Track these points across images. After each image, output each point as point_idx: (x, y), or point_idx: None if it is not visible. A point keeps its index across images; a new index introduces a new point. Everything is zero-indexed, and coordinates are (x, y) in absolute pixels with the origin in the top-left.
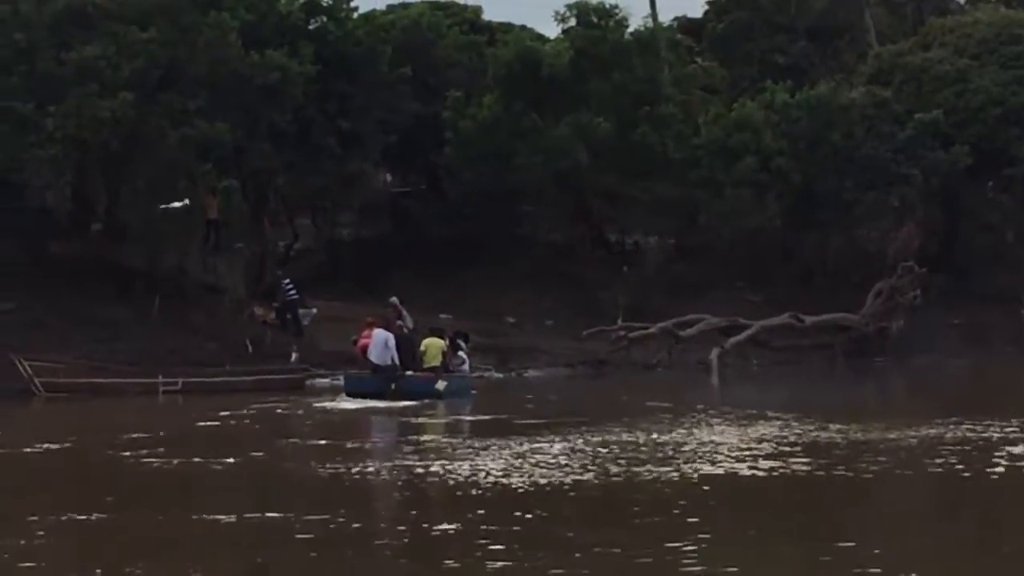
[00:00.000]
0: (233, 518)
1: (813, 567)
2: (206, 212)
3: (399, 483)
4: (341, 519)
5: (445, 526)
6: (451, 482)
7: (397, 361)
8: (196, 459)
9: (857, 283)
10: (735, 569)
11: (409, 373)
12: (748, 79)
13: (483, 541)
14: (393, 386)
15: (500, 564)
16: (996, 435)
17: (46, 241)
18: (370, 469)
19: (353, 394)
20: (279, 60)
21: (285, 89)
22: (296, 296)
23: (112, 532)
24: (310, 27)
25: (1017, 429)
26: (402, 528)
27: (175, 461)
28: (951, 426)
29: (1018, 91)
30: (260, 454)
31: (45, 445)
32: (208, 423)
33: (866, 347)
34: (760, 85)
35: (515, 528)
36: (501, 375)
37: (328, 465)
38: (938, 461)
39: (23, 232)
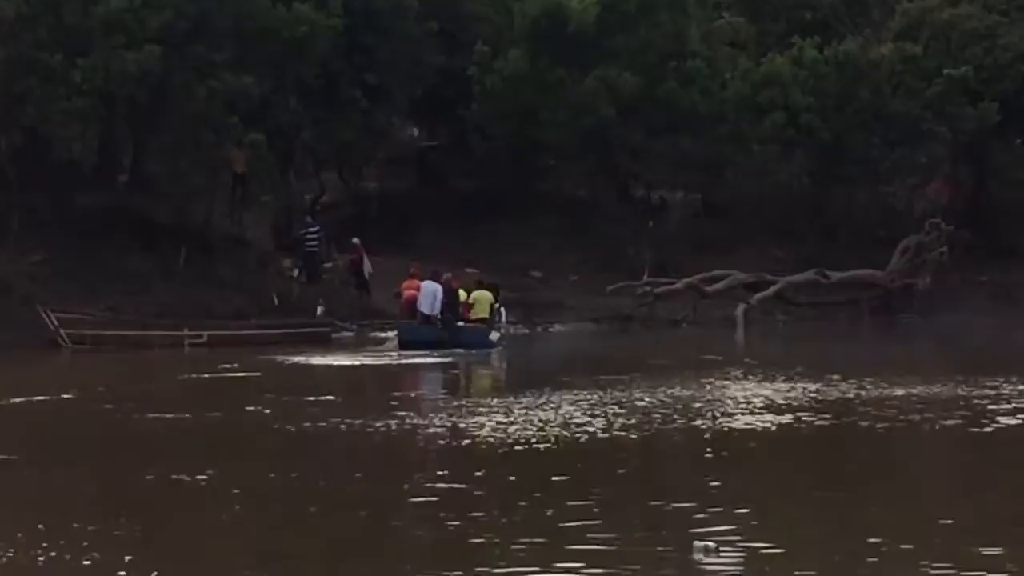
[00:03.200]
0: (204, 476)
1: (831, 512)
2: (232, 165)
3: (426, 440)
4: (360, 477)
5: (472, 482)
6: (478, 438)
7: (447, 312)
8: (186, 415)
9: (884, 240)
10: (755, 521)
11: (461, 324)
12: (775, 35)
13: (507, 496)
14: (448, 336)
15: (520, 518)
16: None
17: (73, 194)
18: (399, 425)
19: (408, 345)
20: (306, 13)
21: (312, 42)
22: (315, 247)
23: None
24: None
25: None
26: (428, 485)
27: (169, 415)
28: (972, 384)
29: None
30: (255, 409)
31: (41, 397)
32: (217, 376)
33: (892, 304)
34: (788, 41)
35: (544, 483)
36: (527, 330)
37: (334, 421)
38: (955, 417)
39: (50, 185)
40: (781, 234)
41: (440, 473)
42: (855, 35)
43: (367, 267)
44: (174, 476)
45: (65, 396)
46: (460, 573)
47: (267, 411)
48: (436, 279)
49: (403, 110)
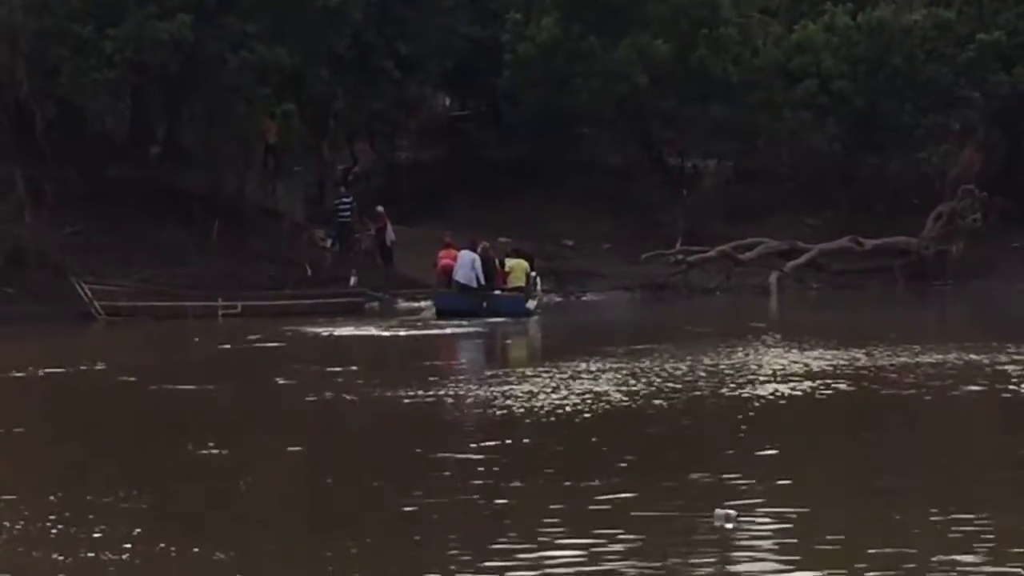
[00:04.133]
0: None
1: (859, 478)
2: (265, 136)
3: (457, 409)
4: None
5: (498, 451)
6: (509, 407)
7: (483, 281)
8: (210, 386)
9: (917, 206)
10: (783, 486)
11: (498, 292)
12: (808, 2)
13: (536, 463)
14: (485, 304)
15: (555, 484)
16: None
17: (106, 165)
18: (438, 394)
19: (444, 313)
20: None
21: (344, 13)
22: (347, 217)
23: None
24: None
25: None
26: (450, 454)
27: (193, 387)
28: (1005, 350)
29: None
30: (284, 380)
31: (68, 368)
32: (247, 347)
33: (926, 271)
34: (820, 8)
35: (573, 450)
36: (560, 298)
37: (362, 392)
38: (985, 383)
39: (83, 157)
40: (814, 201)
41: (468, 443)
42: (887, 1)
43: (390, 235)
44: (191, 448)
45: (92, 367)
46: (474, 547)
47: (294, 382)
48: (472, 248)
49: (435, 80)
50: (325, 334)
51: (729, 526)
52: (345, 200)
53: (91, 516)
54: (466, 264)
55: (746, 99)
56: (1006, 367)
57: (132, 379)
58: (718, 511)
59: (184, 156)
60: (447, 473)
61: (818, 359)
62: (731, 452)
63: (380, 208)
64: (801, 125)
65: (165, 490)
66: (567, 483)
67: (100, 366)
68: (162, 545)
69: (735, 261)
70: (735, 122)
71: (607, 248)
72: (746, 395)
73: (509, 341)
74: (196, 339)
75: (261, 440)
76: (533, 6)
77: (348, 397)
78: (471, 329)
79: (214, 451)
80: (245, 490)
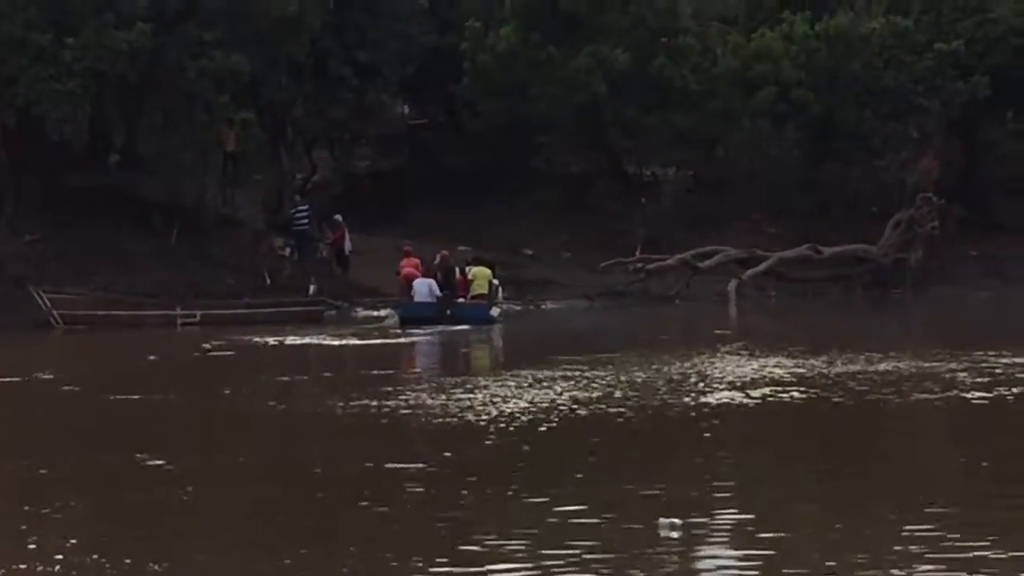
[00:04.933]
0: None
1: (811, 484)
2: (224, 144)
3: (411, 418)
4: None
5: (444, 461)
6: (461, 416)
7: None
8: (157, 395)
9: (876, 214)
10: (734, 494)
11: (461, 300)
12: (766, 10)
13: (491, 471)
14: (448, 313)
15: (490, 495)
16: (1009, 366)
17: (65, 174)
18: (407, 404)
19: (408, 321)
20: None
21: (303, 20)
22: (305, 225)
23: None
24: None
25: None
26: (397, 465)
27: (138, 396)
28: (962, 357)
29: None
30: (234, 389)
31: (16, 378)
32: (201, 356)
33: (884, 279)
34: (778, 16)
35: (526, 461)
36: (519, 307)
37: (315, 401)
38: (942, 389)
39: (42, 165)
40: (773, 209)
41: (418, 452)
42: (846, 10)
43: (347, 245)
44: (135, 458)
45: (44, 376)
46: (421, 557)
47: (245, 392)
48: (427, 274)
49: (394, 88)
50: (281, 343)
51: (675, 535)
52: (302, 208)
53: (24, 527)
54: (423, 292)
55: (705, 107)
56: (960, 374)
57: (81, 389)
58: (662, 520)
59: (143, 164)
60: (395, 484)
61: (775, 367)
62: (684, 461)
63: (338, 217)
64: (760, 133)
65: (104, 501)
66: (510, 492)
67: (50, 375)
68: (95, 556)
69: (694, 269)
70: (694, 130)
71: (566, 256)
72: (702, 403)
73: (467, 350)
74: (151, 348)
75: (206, 450)
76: (492, 15)
77: (298, 407)
78: (430, 337)
79: (157, 461)
80: (187, 501)
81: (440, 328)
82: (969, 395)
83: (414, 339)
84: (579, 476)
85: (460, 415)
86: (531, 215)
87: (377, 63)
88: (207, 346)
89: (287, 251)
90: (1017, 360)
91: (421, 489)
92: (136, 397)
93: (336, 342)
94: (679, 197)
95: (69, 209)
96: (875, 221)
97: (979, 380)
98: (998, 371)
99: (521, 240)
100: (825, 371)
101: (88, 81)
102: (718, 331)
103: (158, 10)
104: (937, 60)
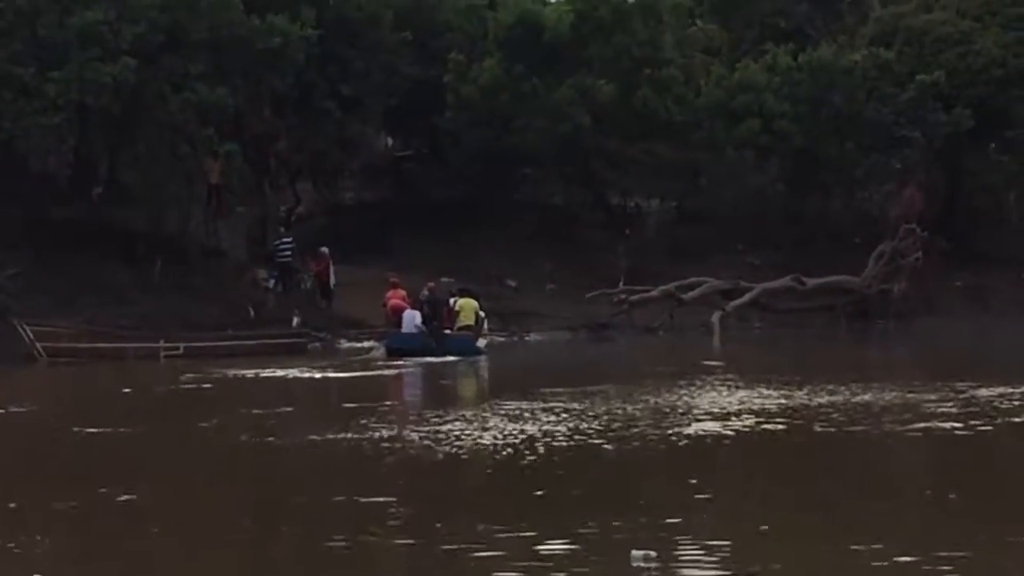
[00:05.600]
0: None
1: (795, 515)
2: (208, 176)
3: (387, 451)
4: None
5: (415, 495)
6: (440, 449)
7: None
8: (128, 429)
9: (859, 246)
10: (711, 526)
11: (448, 332)
12: (749, 42)
13: (473, 503)
14: (435, 344)
15: (460, 529)
16: (992, 397)
17: (48, 206)
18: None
19: (397, 352)
20: (280, 24)
21: (286, 53)
22: (289, 257)
23: None
24: None
25: (1012, 393)
26: (368, 499)
27: (110, 430)
28: (946, 389)
29: (1020, 52)
30: (209, 422)
31: None
32: (182, 389)
33: (868, 310)
34: (762, 48)
35: (502, 494)
36: (503, 338)
37: (293, 434)
38: (926, 421)
39: (25, 197)
40: (757, 241)
41: (396, 485)
42: (829, 42)
43: (332, 277)
44: (98, 492)
45: (21, 409)
46: None
47: (219, 424)
48: (414, 306)
49: (377, 120)
50: (261, 375)
51: (648, 566)
52: (286, 240)
53: None
54: (409, 324)
55: (689, 139)
56: (938, 406)
57: (54, 422)
58: (635, 552)
59: (126, 196)
60: (366, 518)
61: (758, 398)
62: (662, 492)
63: (324, 249)
64: (743, 164)
65: (67, 536)
66: (483, 526)
67: (23, 408)
68: None
69: (678, 301)
70: (678, 162)
71: (550, 288)
72: (681, 434)
73: (452, 381)
74: (131, 381)
75: (175, 484)
76: (475, 47)
77: (273, 440)
78: (416, 369)
79: (125, 496)
80: (152, 535)
81: (427, 360)
82: (946, 427)
83: (399, 371)
84: (556, 508)
85: (440, 448)
86: (515, 246)
87: (361, 95)
88: (189, 378)
89: (271, 283)
90: (995, 391)
91: (393, 523)
92: (108, 430)
93: (319, 374)
94: (663, 228)
95: (52, 241)
96: (859, 252)
97: (956, 411)
98: (976, 403)
99: (505, 271)
100: (807, 402)
101: (72, 114)
102: (704, 362)
103: (142, 43)
104: (919, 92)
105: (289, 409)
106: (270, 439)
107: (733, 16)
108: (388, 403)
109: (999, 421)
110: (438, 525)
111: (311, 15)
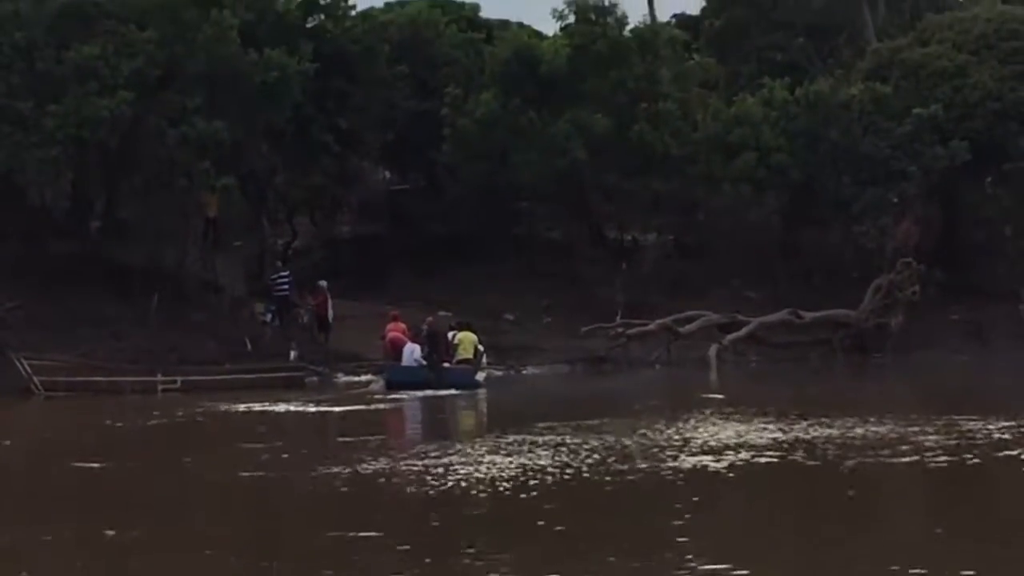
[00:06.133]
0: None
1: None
2: (205, 210)
3: (375, 487)
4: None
5: (400, 530)
6: (447, 480)
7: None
8: (111, 464)
9: (856, 279)
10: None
11: (447, 365)
12: (746, 76)
13: (473, 534)
14: (435, 377)
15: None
16: (987, 431)
17: (45, 239)
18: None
19: (397, 385)
20: (277, 58)
21: (283, 87)
22: (286, 291)
23: None
24: (308, 25)
25: (1009, 426)
26: (354, 534)
27: (95, 465)
28: (941, 423)
29: (1016, 86)
30: (193, 458)
31: None
32: (172, 423)
33: (865, 343)
34: (758, 82)
35: (496, 530)
36: (500, 372)
37: (278, 469)
38: (922, 455)
39: (22, 231)
40: (754, 274)
41: (383, 519)
42: (825, 76)
43: (330, 311)
44: (84, 527)
45: (14, 443)
46: None
47: (208, 458)
48: (413, 339)
49: (375, 154)
50: (260, 409)
51: None
52: (283, 275)
53: None
54: (408, 358)
55: (686, 172)
56: (932, 439)
57: (50, 456)
58: None
59: (123, 230)
60: (358, 554)
61: (753, 432)
62: (655, 528)
63: (323, 283)
64: (740, 198)
65: (47, 571)
66: (480, 563)
67: (13, 442)
68: None
69: (675, 334)
70: (675, 195)
71: (547, 322)
72: (675, 468)
73: (450, 415)
74: (126, 415)
75: (161, 519)
76: (472, 81)
77: (266, 474)
78: (414, 402)
79: (108, 531)
80: (135, 571)
81: (426, 393)
82: (937, 461)
83: (397, 404)
84: (549, 545)
85: (435, 483)
86: (512, 280)
87: (358, 129)
88: (183, 413)
89: (268, 317)
90: (990, 426)
91: (385, 559)
92: (101, 465)
93: (316, 408)
94: (660, 262)
95: (49, 275)
96: (855, 286)
97: (949, 445)
98: (970, 437)
99: (502, 305)
100: (802, 436)
101: (69, 148)
102: (703, 395)
103: (139, 78)
104: (916, 125)
105: (284, 444)
106: (263, 474)
107: (730, 50)
108: (386, 437)
109: (993, 454)
110: (427, 561)
111: (308, 49)
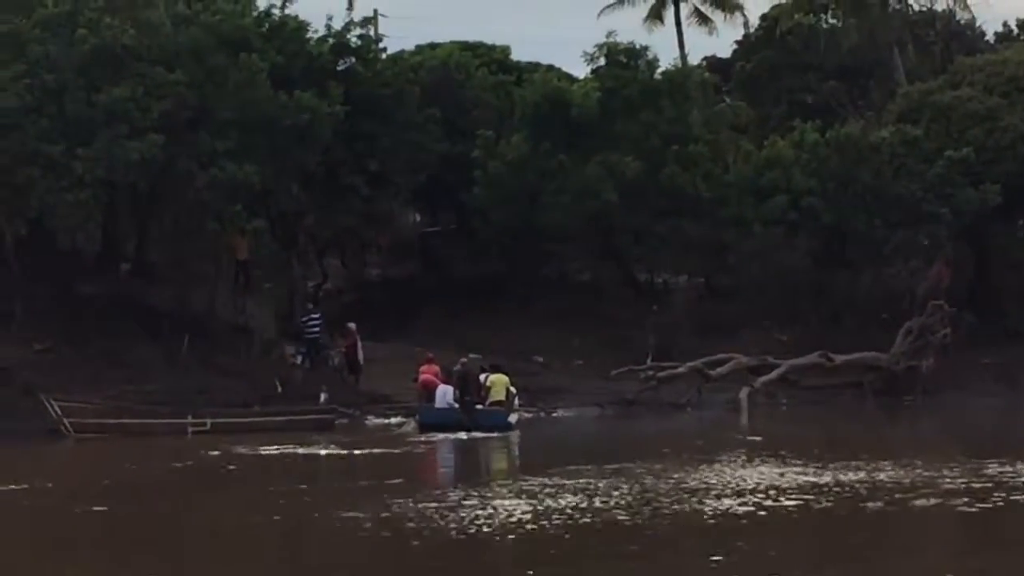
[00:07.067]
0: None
1: None
2: (235, 252)
3: (402, 530)
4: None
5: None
6: (471, 527)
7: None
8: (129, 507)
9: (887, 322)
10: None
11: (479, 407)
12: (777, 118)
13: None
14: (467, 419)
15: None
16: (1015, 474)
17: (76, 282)
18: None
19: (427, 427)
20: (308, 101)
21: (314, 130)
22: (317, 334)
23: None
24: (339, 68)
25: None
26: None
27: (105, 508)
28: (974, 467)
29: None
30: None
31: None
32: (199, 466)
33: (896, 386)
34: (789, 124)
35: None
36: (530, 414)
37: (300, 513)
38: (955, 499)
39: (53, 273)
40: (784, 317)
41: (406, 564)
42: (856, 118)
43: (360, 353)
44: (102, 569)
45: (27, 487)
46: None
47: (238, 502)
48: (446, 381)
49: (405, 196)
50: (290, 452)
51: None
52: (314, 317)
53: None
54: (441, 399)
55: (716, 215)
56: (958, 483)
57: (67, 499)
58: None
59: (153, 272)
60: None
61: (786, 476)
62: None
63: (352, 325)
64: (771, 240)
65: None
66: None
67: (24, 486)
68: None
69: (705, 377)
70: (706, 238)
71: (578, 364)
72: (699, 512)
73: (481, 458)
74: (154, 457)
75: (180, 564)
76: (503, 123)
77: (291, 518)
78: (446, 444)
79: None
80: None
81: (458, 435)
82: (962, 506)
83: (428, 446)
84: None
85: (461, 526)
86: (542, 322)
87: (388, 171)
88: (212, 455)
89: (298, 359)
90: (1020, 469)
91: None
92: (127, 508)
93: (345, 451)
94: (690, 304)
95: (80, 317)
96: (886, 328)
97: (978, 488)
98: (998, 481)
99: (532, 347)
100: (829, 480)
101: (99, 191)
102: (727, 439)
103: (170, 120)
104: (947, 168)
105: (314, 486)
106: (289, 517)
107: (760, 93)
108: (416, 479)
109: (1015, 498)
110: None
111: (339, 91)
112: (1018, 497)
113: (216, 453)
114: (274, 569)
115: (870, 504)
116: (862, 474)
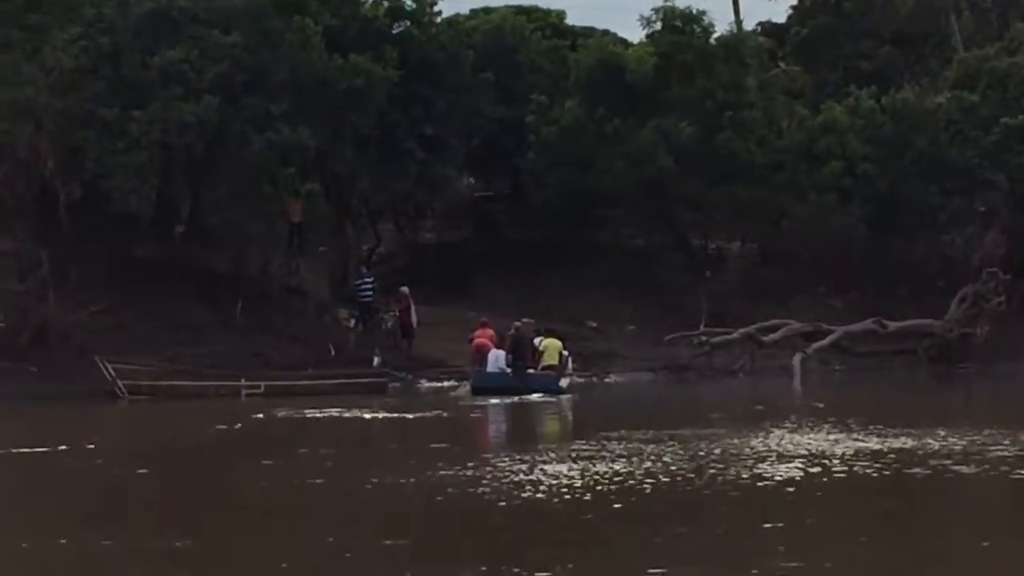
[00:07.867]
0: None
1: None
2: (289, 216)
3: (445, 495)
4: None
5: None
6: (524, 490)
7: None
8: (170, 468)
9: (941, 289)
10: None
11: (531, 371)
12: (832, 84)
13: (534, 550)
14: (519, 382)
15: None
16: None
17: (130, 245)
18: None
19: (480, 391)
20: (363, 64)
21: (368, 93)
22: (370, 297)
23: None
24: (394, 31)
25: None
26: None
27: (146, 470)
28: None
29: None
30: (267, 462)
31: (41, 448)
32: (250, 427)
33: (950, 354)
34: (844, 90)
35: (575, 539)
36: (583, 379)
37: (350, 476)
38: (1008, 468)
39: (108, 236)
40: (838, 283)
41: (454, 529)
42: (912, 84)
43: (414, 317)
44: (146, 536)
45: (95, 446)
46: None
47: (289, 464)
48: (499, 345)
49: (459, 160)
50: (343, 415)
51: None
52: (367, 280)
53: None
54: (493, 363)
55: (771, 181)
56: (1011, 452)
57: (119, 459)
58: None
59: (208, 235)
60: (420, 564)
61: (840, 443)
62: (728, 539)
63: (404, 289)
64: (826, 207)
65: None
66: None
67: (79, 446)
68: None
69: (758, 343)
70: (760, 204)
71: (631, 329)
72: (758, 478)
73: (533, 422)
74: (206, 419)
75: (227, 529)
76: (557, 88)
77: (341, 482)
78: (498, 408)
79: (177, 543)
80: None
81: (511, 399)
82: (1014, 474)
83: (480, 411)
84: (639, 554)
85: (515, 490)
86: (595, 288)
87: (443, 135)
88: (263, 417)
89: (352, 322)
90: None
91: (443, 568)
92: (173, 468)
93: (398, 414)
94: (744, 270)
95: (134, 280)
96: (941, 295)
97: None
98: None
99: (585, 312)
100: (888, 447)
101: (155, 153)
102: (779, 406)
103: (225, 83)
104: (1004, 135)
105: (368, 449)
106: (341, 481)
107: (816, 58)
108: (468, 444)
109: None
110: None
111: (393, 55)
112: None
113: (272, 415)
114: (320, 532)
115: (918, 470)
116: (914, 441)
